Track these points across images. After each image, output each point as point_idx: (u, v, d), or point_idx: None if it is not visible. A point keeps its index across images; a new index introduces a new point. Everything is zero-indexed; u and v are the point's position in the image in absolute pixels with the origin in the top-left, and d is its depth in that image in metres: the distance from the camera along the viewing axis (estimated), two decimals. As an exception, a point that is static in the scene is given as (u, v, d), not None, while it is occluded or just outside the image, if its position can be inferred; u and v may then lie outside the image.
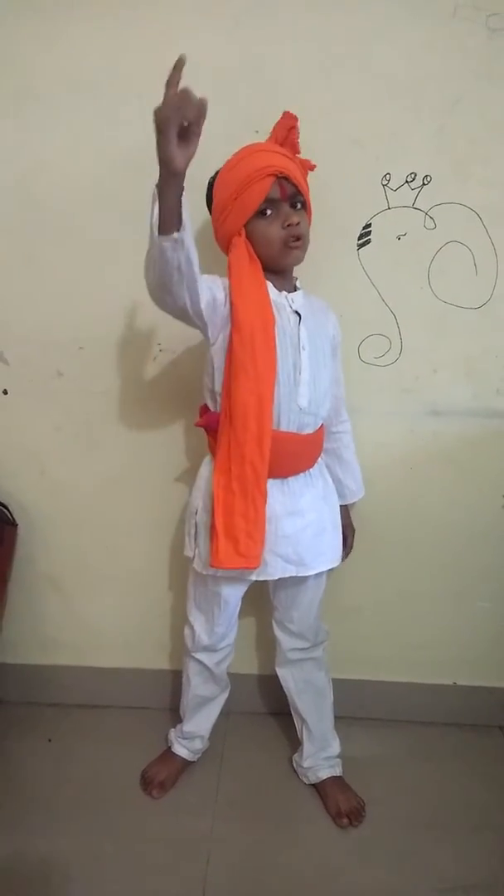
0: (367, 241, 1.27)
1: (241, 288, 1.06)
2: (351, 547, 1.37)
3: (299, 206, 1.08)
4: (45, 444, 1.43)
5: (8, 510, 1.46)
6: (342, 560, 1.29)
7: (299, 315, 1.12)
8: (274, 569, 1.17)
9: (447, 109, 1.19)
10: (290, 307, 1.12)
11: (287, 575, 1.19)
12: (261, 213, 1.05)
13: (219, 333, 1.08)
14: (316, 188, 1.11)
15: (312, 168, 1.12)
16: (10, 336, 1.37)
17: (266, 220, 1.06)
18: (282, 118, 1.08)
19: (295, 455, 1.15)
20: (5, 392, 1.41)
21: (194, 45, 1.16)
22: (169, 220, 0.87)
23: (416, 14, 1.15)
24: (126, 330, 1.34)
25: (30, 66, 1.21)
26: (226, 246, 1.10)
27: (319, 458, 1.23)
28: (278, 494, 1.15)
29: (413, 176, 1.22)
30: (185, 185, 0.86)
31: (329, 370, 1.17)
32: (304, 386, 1.11)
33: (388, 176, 1.22)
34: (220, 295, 1.06)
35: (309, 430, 1.15)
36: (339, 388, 1.26)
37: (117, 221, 1.26)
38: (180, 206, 0.87)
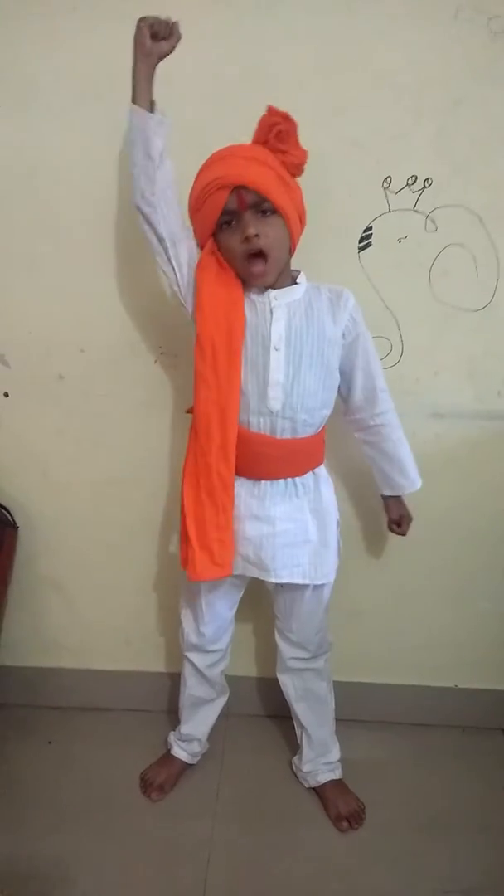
0: (368, 244, 1.26)
1: (202, 304, 1.06)
2: (404, 534, 1.33)
3: (269, 212, 1.01)
4: (47, 446, 1.43)
5: (9, 512, 1.46)
6: (404, 532, 1.32)
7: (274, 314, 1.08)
8: (234, 564, 1.17)
9: (448, 112, 1.19)
10: (269, 305, 1.08)
11: (249, 574, 1.19)
12: (224, 223, 1.03)
13: (177, 271, 1.09)
14: (316, 191, 1.11)
15: (297, 161, 1.02)
16: (11, 339, 1.37)
17: (229, 231, 1.03)
18: (264, 115, 1.00)
19: (267, 458, 1.12)
20: (6, 395, 1.41)
21: (195, 46, 1.17)
22: (137, 93, 1.00)
23: (417, 16, 1.15)
24: (127, 333, 1.34)
25: (32, 67, 1.20)
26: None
27: (317, 469, 1.19)
28: (246, 496, 1.14)
29: (414, 179, 1.22)
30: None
31: (321, 372, 1.11)
32: (275, 388, 1.08)
33: (388, 179, 1.22)
34: (188, 249, 1.08)
35: (286, 436, 1.12)
36: (372, 380, 1.17)
37: (119, 224, 1.26)
38: (146, 84, 1.00)
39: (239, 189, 0.99)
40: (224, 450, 1.08)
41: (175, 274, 1.09)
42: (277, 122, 0.99)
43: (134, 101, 1.00)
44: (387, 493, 1.29)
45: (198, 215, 1.05)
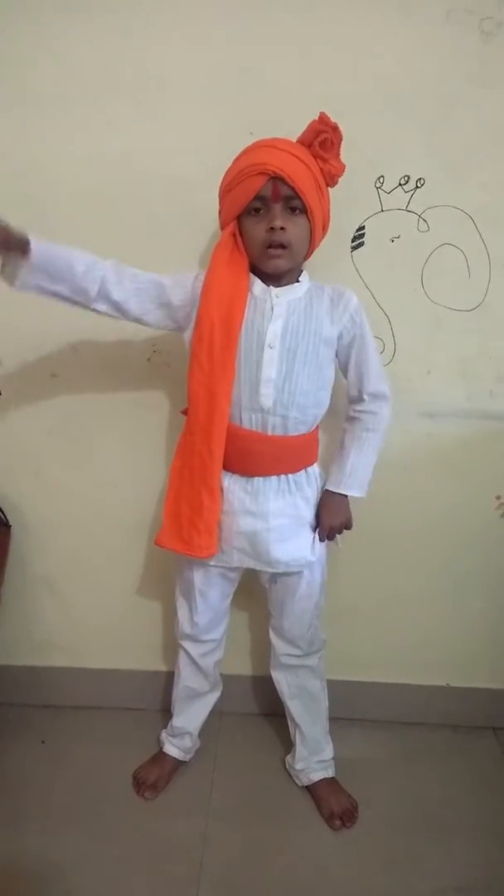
0: (361, 244, 1.27)
1: (210, 283, 1.07)
2: (321, 533, 1.20)
3: (298, 210, 1.03)
4: (39, 445, 1.43)
5: (1, 511, 1.46)
6: (320, 541, 1.21)
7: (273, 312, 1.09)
8: (230, 557, 1.19)
9: (441, 113, 1.19)
10: (271, 303, 1.09)
11: (245, 566, 1.20)
12: (253, 209, 1.04)
13: (189, 324, 1.10)
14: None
15: (334, 175, 1.05)
16: (3, 337, 1.36)
17: (255, 217, 1.04)
18: (314, 121, 1.03)
19: (259, 455, 1.13)
20: (-1, 393, 1.41)
21: (189, 48, 1.18)
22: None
23: (409, 17, 1.15)
24: (120, 331, 1.34)
25: (25, 69, 1.20)
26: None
27: (310, 469, 1.19)
28: (240, 492, 1.15)
29: (406, 179, 1.23)
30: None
31: (315, 371, 1.11)
32: (267, 385, 1.09)
33: (381, 179, 1.23)
34: (178, 299, 1.10)
35: (278, 433, 1.12)
36: (360, 380, 1.16)
37: (111, 223, 1.26)
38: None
39: (276, 180, 1.00)
40: (208, 435, 1.09)
41: (172, 325, 1.14)
42: (325, 131, 1.02)
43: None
44: (326, 485, 1.22)
45: (228, 195, 1.05)
